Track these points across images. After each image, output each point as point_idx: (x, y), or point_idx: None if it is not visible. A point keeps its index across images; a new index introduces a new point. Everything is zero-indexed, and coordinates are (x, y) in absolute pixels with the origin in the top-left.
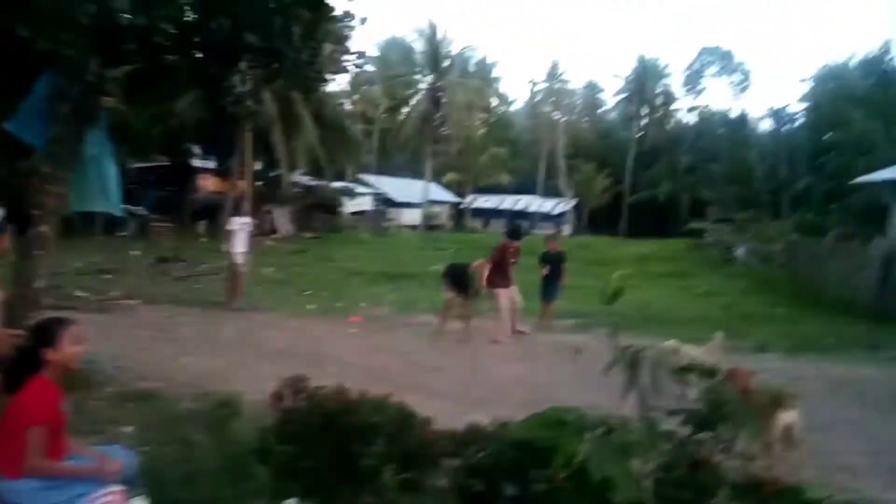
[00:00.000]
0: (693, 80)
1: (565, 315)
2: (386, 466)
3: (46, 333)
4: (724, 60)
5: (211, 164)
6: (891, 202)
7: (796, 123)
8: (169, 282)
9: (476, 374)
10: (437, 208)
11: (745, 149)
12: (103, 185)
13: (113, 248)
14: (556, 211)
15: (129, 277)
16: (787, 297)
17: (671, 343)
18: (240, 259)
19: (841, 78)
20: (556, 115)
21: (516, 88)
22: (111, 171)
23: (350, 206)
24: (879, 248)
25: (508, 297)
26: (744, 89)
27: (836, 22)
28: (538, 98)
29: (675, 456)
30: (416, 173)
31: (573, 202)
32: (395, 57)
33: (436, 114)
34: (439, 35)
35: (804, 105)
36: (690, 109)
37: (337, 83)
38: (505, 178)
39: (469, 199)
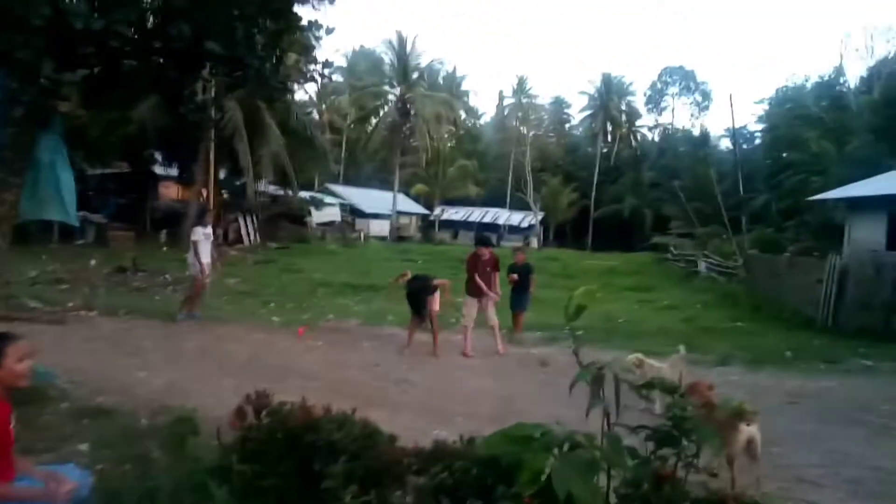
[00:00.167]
0: (656, 99)
1: (533, 327)
2: (349, 486)
3: None
4: (685, 80)
5: (173, 172)
6: (845, 219)
7: (755, 143)
8: (128, 292)
9: (443, 387)
10: (405, 219)
11: (706, 166)
12: (57, 192)
13: (70, 256)
14: (524, 224)
15: (86, 287)
16: (747, 310)
17: (635, 356)
18: (203, 270)
19: (796, 100)
20: (524, 130)
21: (485, 102)
22: (66, 178)
23: (317, 216)
24: (834, 264)
25: (480, 309)
26: (704, 108)
27: (791, 46)
28: (506, 112)
29: (639, 472)
30: (385, 184)
31: (540, 215)
32: (364, 67)
33: (404, 125)
34: (408, 47)
35: (761, 126)
36: (653, 127)
37: (304, 92)
38: (473, 191)
39: (438, 210)
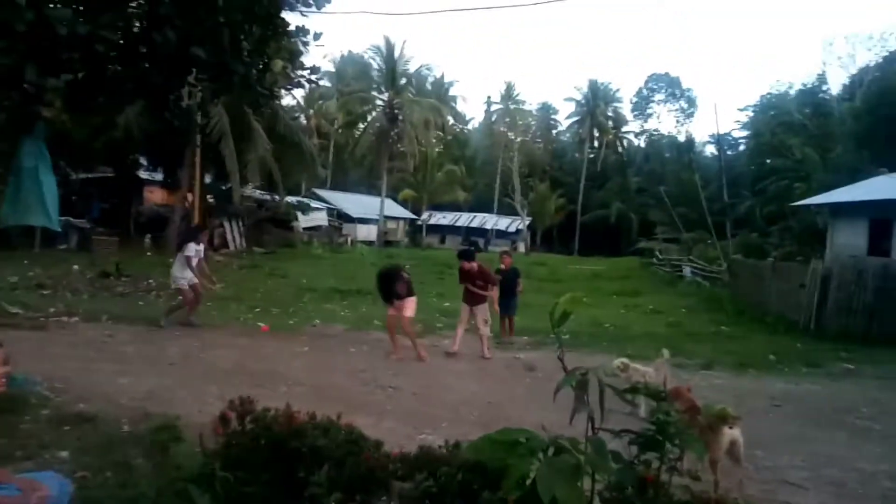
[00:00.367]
0: (642, 105)
1: (519, 332)
2: (334, 492)
3: None
4: (671, 87)
5: (158, 176)
6: (827, 225)
7: (739, 149)
8: (111, 298)
9: (429, 392)
10: (392, 224)
11: (691, 172)
12: (40, 198)
13: (52, 261)
14: (512, 228)
15: (68, 293)
16: (731, 315)
17: (620, 360)
18: (191, 283)
19: (780, 107)
20: (511, 135)
21: (472, 107)
22: (49, 184)
23: (304, 220)
24: (817, 269)
25: (477, 315)
26: (689, 115)
27: (775, 54)
28: (494, 118)
29: (623, 476)
30: (372, 189)
31: (528, 220)
32: (352, 72)
33: (392, 130)
34: (396, 52)
35: (746, 132)
36: (639, 133)
37: (292, 97)
38: (461, 196)
39: (425, 215)
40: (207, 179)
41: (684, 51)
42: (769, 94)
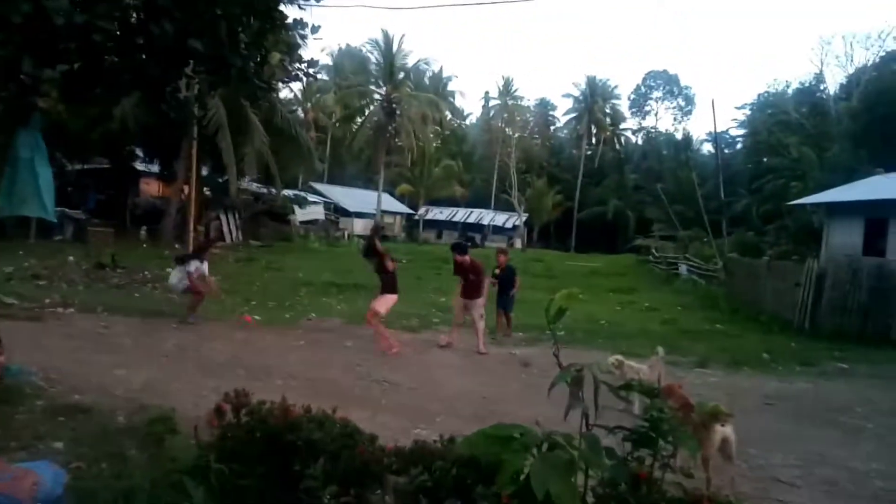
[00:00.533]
0: (640, 102)
1: (515, 328)
2: (329, 486)
3: None
4: (669, 84)
5: (154, 168)
6: (823, 224)
7: (736, 147)
8: (107, 289)
9: (425, 387)
10: (390, 219)
11: (688, 170)
12: (36, 189)
13: (48, 252)
14: (509, 224)
15: (64, 284)
16: (726, 313)
17: (615, 357)
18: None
19: (777, 106)
20: (509, 131)
21: (470, 103)
22: (45, 175)
23: (301, 214)
24: (812, 268)
25: (471, 309)
26: (687, 113)
27: (772, 52)
28: (492, 113)
29: (616, 472)
30: (369, 183)
31: (525, 216)
32: (350, 66)
33: (389, 125)
34: (394, 46)
35: (743, 130)
36: (637, 130)
37: (289, 90)
38: (458, 191)
39: (422, 210)
40: (204, 172)
41: (683, 48)
42: (766, 92)
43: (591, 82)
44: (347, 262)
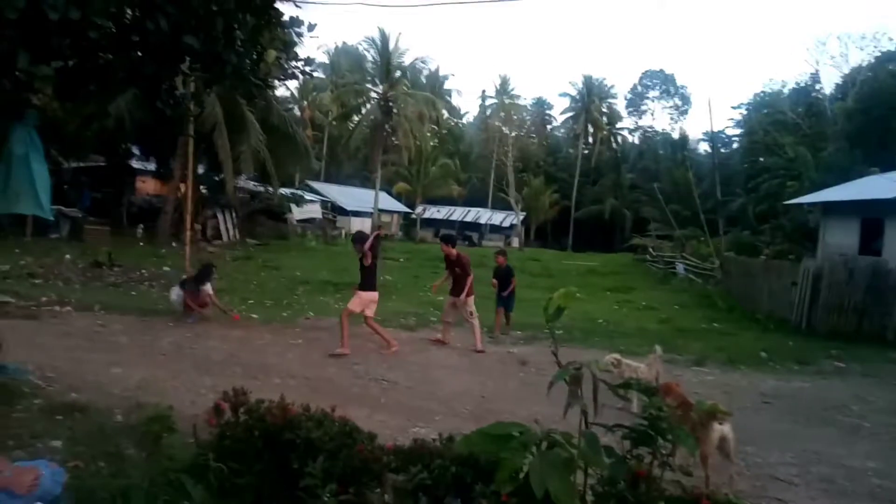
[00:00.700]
0: (636, 102)
1: (513, 327)
2: (328, 484)
3: None
4: (665, 84)
5: (151, 166)
6: (819, 223)
7: (732, 147)
8: (103, 287)
9: (423, 386)
10: (387, 217)
11: (685, 169)
12: (31, 186)
13: (44, 250)
14: (506, 223)
15: (60, 282)
16: (723, 312)
17: (613, 356)
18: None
19: (773, 105)
20: (506, 130)
21: (467, 102)
22: (40, 172)
23: (298, 213)
24: (808, 267)
25: (460, 307)
26: (683, 112)
27: (768, 53)
28: (489, 112)
29: (615, 470)
30: (366, 182)
31: (522, 215)
32: (346, 64)
33: (386, 123)
34: (391, 45)
35: (739, 130)
36: (634, 130)
37: (286, 88)
38: (455, 190)
39: (419, 209)
40: (200, 170)
41: (679, 48)
42: (762, 92)
43: (588, 82)
44: (344, 261)
